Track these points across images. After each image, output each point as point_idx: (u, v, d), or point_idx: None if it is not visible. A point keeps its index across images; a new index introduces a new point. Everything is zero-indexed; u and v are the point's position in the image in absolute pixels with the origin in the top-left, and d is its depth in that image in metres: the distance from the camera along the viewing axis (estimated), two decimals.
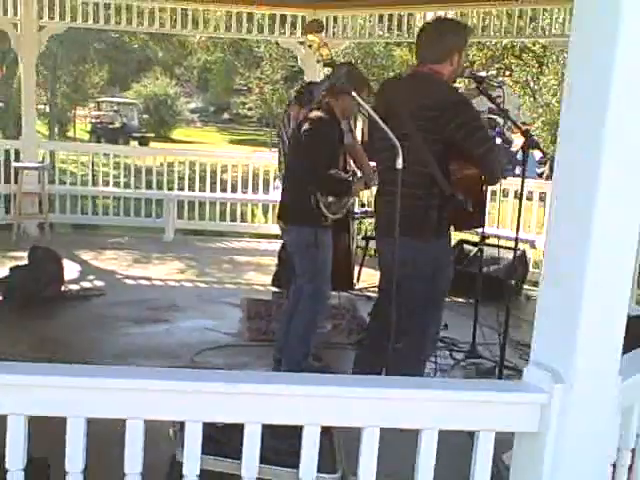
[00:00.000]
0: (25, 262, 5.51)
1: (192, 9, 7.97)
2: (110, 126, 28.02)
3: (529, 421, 1.61)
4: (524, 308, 6.59)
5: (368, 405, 1.58)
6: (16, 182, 7.55)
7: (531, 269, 7.22)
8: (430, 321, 3.46)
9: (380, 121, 2.83)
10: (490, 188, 7.60)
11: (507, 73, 21.86)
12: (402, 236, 2.89)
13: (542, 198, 7.32)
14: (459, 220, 3.30)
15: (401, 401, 1.58)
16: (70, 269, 6.27)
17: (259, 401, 1.56)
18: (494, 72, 25.25)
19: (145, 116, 32.58)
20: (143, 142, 26.20)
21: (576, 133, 1.58)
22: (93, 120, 30.03)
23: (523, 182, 3.80)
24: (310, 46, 4.43)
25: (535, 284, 6.95)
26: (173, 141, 30.76)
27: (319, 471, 1.64)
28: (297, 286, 4.24)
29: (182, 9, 7.96)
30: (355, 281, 5.69)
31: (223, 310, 5.66)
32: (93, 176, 9.02)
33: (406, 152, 2.84)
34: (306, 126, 3.92)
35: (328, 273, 4.11)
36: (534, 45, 19.30)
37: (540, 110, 19.43)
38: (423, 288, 3.29)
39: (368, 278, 6.15)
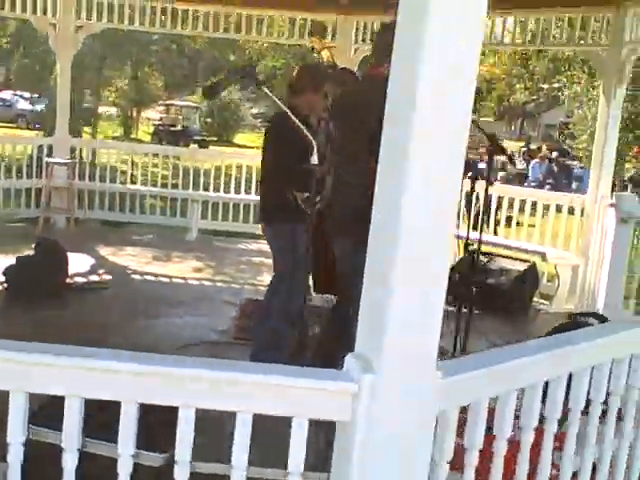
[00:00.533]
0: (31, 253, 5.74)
1: (247, 14, 8.12)
2: (172, 128, 28.62)
3: (342, 410, 1.63)
4: (531, 322, 6.51)
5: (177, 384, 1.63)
6: (47, 177, 7.88)
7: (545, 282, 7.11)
8: None
9: (292, 116, 2.91)
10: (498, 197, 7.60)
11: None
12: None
13: (559, 209, 7.21)
14: None
15: (213, 383, 1.63)
16: (82, 262, 6.50)
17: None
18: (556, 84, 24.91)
19: (208, 120, 33.16)
20: (203, 145, 26.67)
21: (389, 140, 1.63)
22: (156, 122, 30.77)
23: (487, 188, 3.82)
24: (312, 48, 4.51)
25: (547, 297, 6.85)
26: (235, 145, 31.21)
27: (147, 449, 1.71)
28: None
29: (237, 14, 8.12)
30: None
31: (223, 308, 5.77)
32: (132, 175, 9.33)
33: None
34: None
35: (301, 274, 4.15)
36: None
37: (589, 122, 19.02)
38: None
39: None
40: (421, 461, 1.69)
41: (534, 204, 7.37)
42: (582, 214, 6.88)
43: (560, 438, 2.23)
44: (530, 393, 1.98)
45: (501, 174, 18.62)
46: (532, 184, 17.35)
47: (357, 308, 2.66)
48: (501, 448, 1.96)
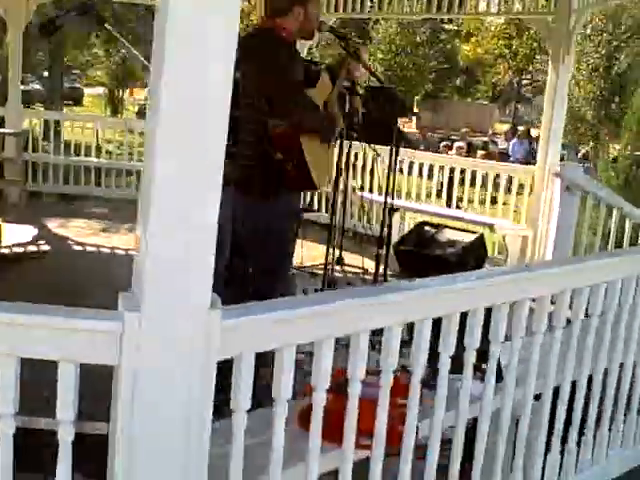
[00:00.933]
0: None
1: None
2: None
3: (108, 352, 1.55)
4: None
5: None
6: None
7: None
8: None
9: None
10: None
11: None
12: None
13: (510, 181, 7.13)
14: (286, 180, 3.22)
15: None
16: (24, 233, 6.41)
17: None
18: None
19: None
20: None
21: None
22: (142, 102, 30.57)
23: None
24: None
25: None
26: None
27: None
28: None
29: None
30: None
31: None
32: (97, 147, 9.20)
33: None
34: None
35: None
36: None
37: None
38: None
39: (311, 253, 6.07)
40: (198, 410, 1.60)
41: (485, 176, 7.29)
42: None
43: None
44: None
45: (482, 152, 18.52)
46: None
47: None
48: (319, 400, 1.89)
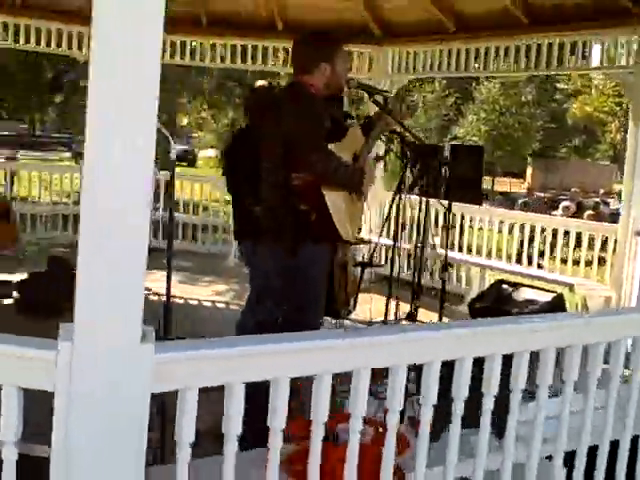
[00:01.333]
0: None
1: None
2: None
3: (45, 379, 1.58)
4: None
5: None
6: None
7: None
8: None
9: None
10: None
11: None
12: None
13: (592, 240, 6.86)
14: (310, 231, 3.21)
15: None
16: None
17: None
18: None
19: None
20: None
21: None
22: None
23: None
24: None
25: None
26: None
27: None
28: None
29: None
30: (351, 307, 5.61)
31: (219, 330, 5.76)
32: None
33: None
34: None
35: None
36: None
37: None
38: None
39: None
40: (130, 439, 1.61)
41: (566, 233, 7.05)
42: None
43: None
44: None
45: (590, 213, 17.85)
46: None
47: None
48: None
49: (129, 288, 1.58)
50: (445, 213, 7.26)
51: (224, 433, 1.77)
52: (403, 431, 2.40)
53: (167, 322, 3.71)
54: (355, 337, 1.92)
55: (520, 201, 19.73)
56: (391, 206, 5.24)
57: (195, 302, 6.74)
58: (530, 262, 7.52)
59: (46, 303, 5.60)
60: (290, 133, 3.12)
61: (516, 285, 6.63)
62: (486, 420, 2.17)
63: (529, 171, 31.44)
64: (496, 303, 6.53)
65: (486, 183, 26.00)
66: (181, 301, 6.67)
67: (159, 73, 1.57)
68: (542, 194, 25.44)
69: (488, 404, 2.16)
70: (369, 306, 5.88)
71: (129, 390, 1.59)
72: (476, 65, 7.84)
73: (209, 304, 6.74)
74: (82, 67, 8.61)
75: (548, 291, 6.55)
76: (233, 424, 1.76)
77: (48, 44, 8.16)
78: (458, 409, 2.12)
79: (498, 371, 2.11)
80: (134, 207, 1.58)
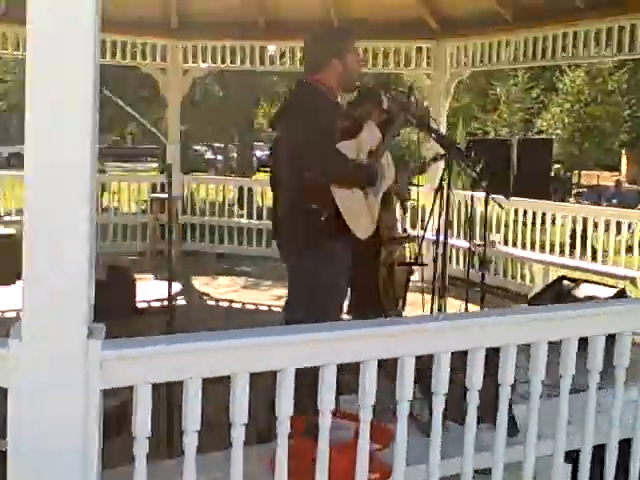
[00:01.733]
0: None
1: None
2: None
3: (1, 375, 1.66)
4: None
5: None
6: (151, 212, 8.45)
7: None
8: None
9: None
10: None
11: None
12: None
13: None
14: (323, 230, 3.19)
15: None
16: (161, 289, 6.84)
17: None
18: None
19: None
20: None
21: None
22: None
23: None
24: None
25: None
26: None
27: None
28: None
29: None
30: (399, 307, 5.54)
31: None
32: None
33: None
34: None
35: None
36: None
37: None
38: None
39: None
40: (81, 432, 1.66)
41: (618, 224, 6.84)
42: None
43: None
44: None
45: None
46: None
47: None
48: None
49: (73, 285, 1.62)
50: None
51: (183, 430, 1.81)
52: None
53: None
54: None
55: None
56: (434, 201, 5.13)
57: (252, 307, 6.81)
58: (594, 258, 7.28)
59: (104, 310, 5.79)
60: (297, 137, 3.15)
61: (576, 281, 6.44)
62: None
63: (624, 162, 30.13)
64: (556, 300, 6.35)
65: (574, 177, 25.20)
66: (239, 305, 6.78)
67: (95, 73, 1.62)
68: (635, 186, 24.27)
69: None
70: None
71: (76, 385, 1.64)
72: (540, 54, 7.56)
73: (265, 308, 6.79)
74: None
75: (611, 286, 6.32)
76: (189, 420, 1.79)
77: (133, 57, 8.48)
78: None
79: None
80: (75, 204, 1.63)
